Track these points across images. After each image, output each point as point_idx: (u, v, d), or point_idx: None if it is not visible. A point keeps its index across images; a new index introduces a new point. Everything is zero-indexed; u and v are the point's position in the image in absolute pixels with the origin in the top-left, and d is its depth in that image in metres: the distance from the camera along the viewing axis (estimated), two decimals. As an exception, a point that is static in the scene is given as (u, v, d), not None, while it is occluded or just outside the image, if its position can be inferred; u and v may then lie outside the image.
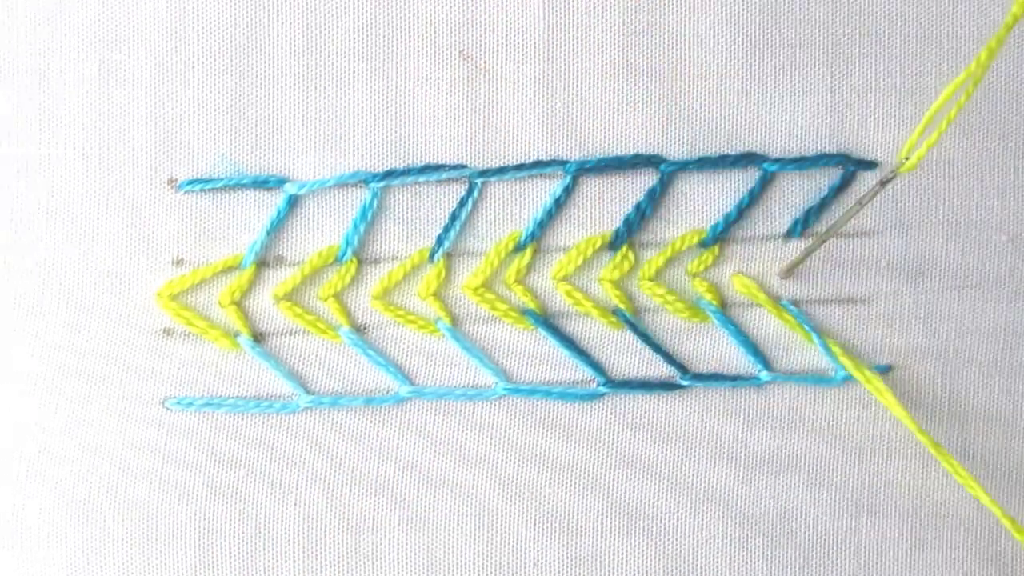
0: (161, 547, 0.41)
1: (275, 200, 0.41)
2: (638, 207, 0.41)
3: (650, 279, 0.42)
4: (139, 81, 0.40)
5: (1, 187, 0.40)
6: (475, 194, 0.41)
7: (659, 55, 0.41)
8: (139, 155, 0.40)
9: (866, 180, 0.42)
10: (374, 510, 0.42)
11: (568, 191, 0.41)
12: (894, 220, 0.42)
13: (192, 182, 0.40)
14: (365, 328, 0.42)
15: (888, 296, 0.42)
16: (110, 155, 0.40)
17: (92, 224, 0.40)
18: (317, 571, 0.42)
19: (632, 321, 0.42)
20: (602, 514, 0.42)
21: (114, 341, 0.41)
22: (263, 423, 0.41)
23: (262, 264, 0.41)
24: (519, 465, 0.42)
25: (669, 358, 0.42)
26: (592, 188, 0.41)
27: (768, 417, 0.42)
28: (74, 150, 0.40)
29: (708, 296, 0.42)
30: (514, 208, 0.41)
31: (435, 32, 0.40)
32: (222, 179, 0.40)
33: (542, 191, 0.41)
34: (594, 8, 0.41)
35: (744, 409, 0.42)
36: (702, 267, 0.42)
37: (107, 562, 0.41)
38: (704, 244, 0.42)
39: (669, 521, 0.42)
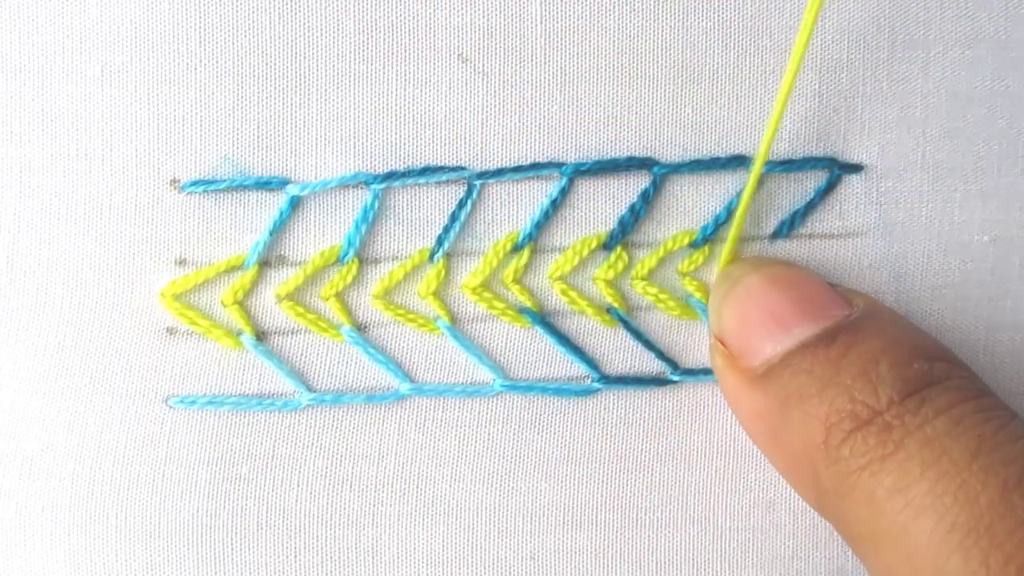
0: (164, 544, 0.42)
1: (277, 201, 0.41)
2: (632, 208, 0.42)
3: (643, 278, 0.43)
4: (142, 82, 0.40)
5: (4, 187, 0.41)
6: (474, 195, 0.42)
7: (652, 60, 0.42)
8: (142, 156, 0.41)
9: (851, 183, 0.43)
10: (374, 505, 0.42)
11: (564, 193, 0.42)
12: (876, 221, 0.43)
13: (195, 183, 0.41)
14: (366, 327, 0.42)
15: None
16: (113, 156, 0.41)
17: (95, 225, 0.41)
18: (318, 566, 0.42)
19: (625, 319, 0.43)
20: (596, 507, 0.43)
21: (117, 340, 0.41)
22: (265, 421, 0.42)
23: (264, 264, 0.42)
24: (516, 460, 0.43)
25: (661, 355, 0.43)
26: (587, 190, 0.42)
27: (756, 412, 0.43)
28: (77, 151, 0.41)
29: (698, 295, 0.43)
30: (512, 209, 0.42)
31: (434, 36, 0.41)
32: (225, 180, 0.41)
33: (539, 193, 0.42)
34: (590, 13, 0.41)
35: (734, 404, 0.43)
36: (692, 267, 0.43)
37: (110, 559, 0.42)
38: (695, 245, 0.43)
39: (661, 513, 0.43)
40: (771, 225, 0.43)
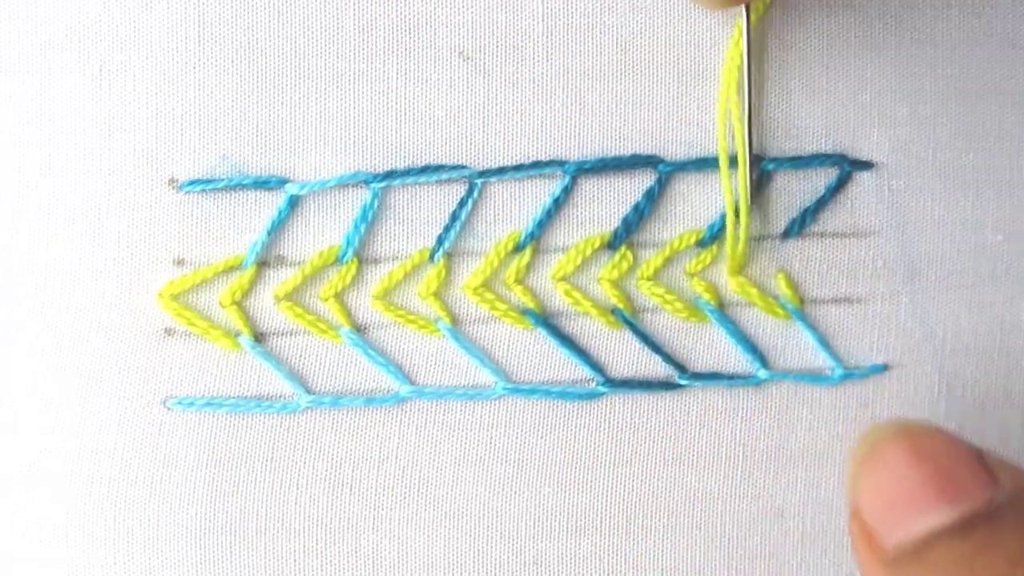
0: (161, 547, 0.41)
1: (276, 200, 0.41)
2: (636, 207, 0.42)
3: (648, 279, 0.42)
4: (140, 82, 0.40)
5: (1, 187, 0.40)
6: (475, 194, 0.41)
7: (657, 56, 0.41)
8: (140, 155, 0.40)
9: (862, 180, 0.42)
10: (374, 509, 0.42)
11: (567, 191, 0.41)
12: (889, 220, 0.42)
13: (193, 182, 0.41)
14: (365, 328, 0.42)
15: (884, 296, 0.42)
16: (111, 155, 0.40)
17: (93, 224, 0.40)
18: (317, 571, 0.42)
19: (631, 321, 0.42)
20: (601, 513, 0.42)
21: (115, 341, 0.41)
22: (264, 423, 0.41)
23: (263, 264, 0.41)
24: (519, 464, 0.42)
25: (667, 357, 0.42)
26: (591, 188, 0.42)
27: (766, 416, 0.42)
28: (75, 150, 0.40)
29: (706, 296, 0.42)
30: (513, 208, 0.42)
31: (434, 33, 0.41)
32: (223, 179, 0.41)
33: (541, 191, 0.41)
34: (592, 9, 0.41)
35: (742, 408, 0.42)
36: (700, 267, 0.42)
37: (107, 562, 0.41)
38: (702, 244, 0.42)
39: (667, 520, 0.42)
40: (781, 224, 0.42)
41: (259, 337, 0.41)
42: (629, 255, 0.42)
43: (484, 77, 0.41)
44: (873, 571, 0.36)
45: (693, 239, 0.42)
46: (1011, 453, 0.43)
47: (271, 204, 0.41)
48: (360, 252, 0.41)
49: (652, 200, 0.42)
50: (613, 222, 0.42)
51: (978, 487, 0.35)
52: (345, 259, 0.41)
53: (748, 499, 0.42)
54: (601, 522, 0.42)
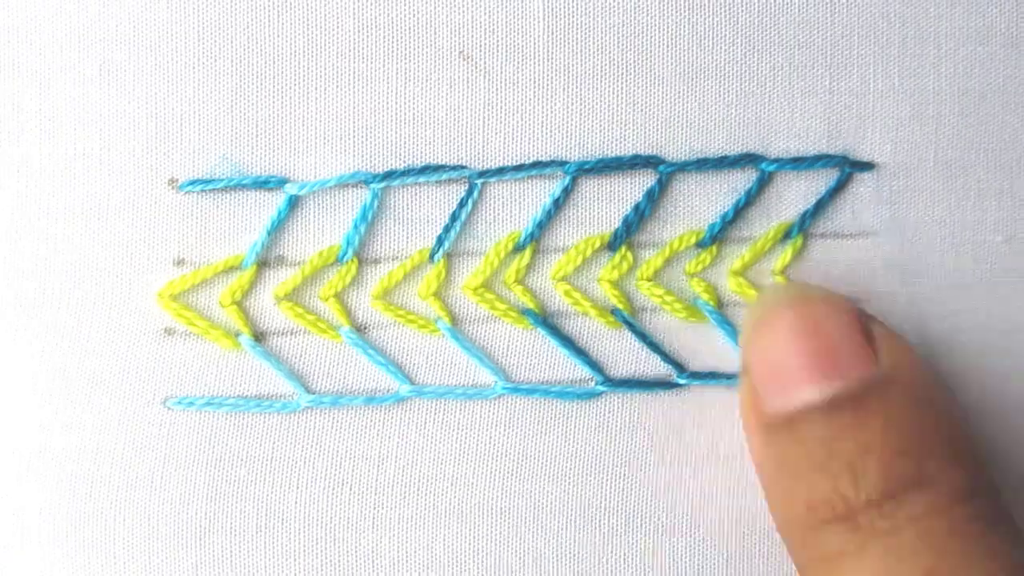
0: (161, 547, 0.41)
1: (276, 200, 0.41)
2: (637, 208, 0.42)
3: (648, 279, 0.42)
4: (140, 81, 0.40)
5: (1, 187, 0.40)
6: (475, 195, 0.41)
7: (658, 56, 0.41)
8: (140, 155, 0.40)
9: (863, 181, 0.42)
10: (374, 508, 0.42)
11: (567, 192, 0.41)
12: (889, 220, 0.42)
13: (193, 182, 0.40)
14: (365, 328, 0.42)
15: (883, 296, 0.42)
16: (111, 155, 0.40)
17: (93, 224, 0.40)
18: (318, 570, 0.42)
19: (630, 321, 0.42)
20: (600, 511, 0.42)
21: (115, 341, 0.41)
22: (264, 422, 0.41)
23: (263, 264, 0.41)
24: (518, 463, 0.42)
25: (667, 357, 0.42)
26: (591, 189, 0.42)
27: (765, 416, 0.42)
28: (74, 150, 0.40)
29: (705, 296, 0.42)
30: (513, 209, 0.42)
31: (435, 33, 0.41)
32: (223, 179, 0.41)
33: (541, 192, 0.41)
34: (593, 9, 0.41)
35: (741, 408, 0.42)
36: (700, 267, 0.42)
37: (107, 562, 0.41)
38: (702, 244, 0.42)
39: (666, 518, 0.42)
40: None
41: (259, 337, 0.41)
42: (629, 255, 0.42)
43: (484, 77, 0.41)
44: (752, 430, 0.39)
45: (693, 240, 0.42)
46: (1010, 455, 0.43)
47: (271, 204, 0.41)
48: (360, 252, 0.41)
49: (652, 200, 0.42)
50: (613, 222, 0.42)
51: (855, 366, 0.37)
52: (345, 259, 0.41)
53: (747, 497, 0.42)
54: (600, 520, 0.42)
